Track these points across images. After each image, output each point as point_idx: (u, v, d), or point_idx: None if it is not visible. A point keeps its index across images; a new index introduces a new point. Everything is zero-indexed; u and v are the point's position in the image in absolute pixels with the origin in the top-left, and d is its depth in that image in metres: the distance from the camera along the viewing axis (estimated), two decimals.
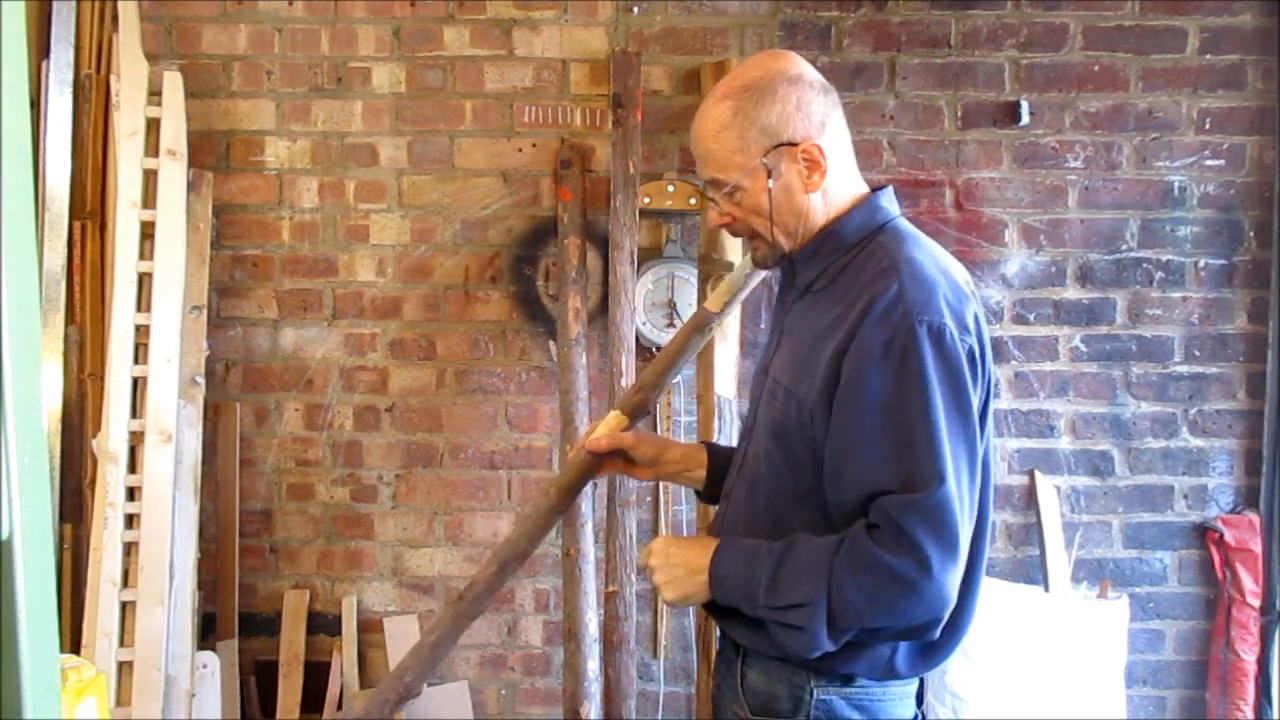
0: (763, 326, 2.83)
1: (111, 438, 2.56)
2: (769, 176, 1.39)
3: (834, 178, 1.42)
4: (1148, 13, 2.81)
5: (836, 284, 1.41)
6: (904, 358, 1.28)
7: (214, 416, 2.82)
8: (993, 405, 1.41)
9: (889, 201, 1.46)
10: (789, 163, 1.39)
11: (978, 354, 1.33)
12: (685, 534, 2.86)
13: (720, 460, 1.65)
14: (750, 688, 1.44)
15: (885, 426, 1.29)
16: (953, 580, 1.28)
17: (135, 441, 2.59)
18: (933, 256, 1.39)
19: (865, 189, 1.47)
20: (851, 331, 1.32)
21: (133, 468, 2.59)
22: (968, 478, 1.30)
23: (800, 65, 1.43)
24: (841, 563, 1.29)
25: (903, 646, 1.38)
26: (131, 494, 2.57)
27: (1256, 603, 2.79)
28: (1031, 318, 2.86)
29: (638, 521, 2.75)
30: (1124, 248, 2.85)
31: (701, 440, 1.71)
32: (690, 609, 2.85)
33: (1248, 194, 2.84)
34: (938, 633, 1.34)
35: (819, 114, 1.40)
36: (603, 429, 1.66)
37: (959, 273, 1.41)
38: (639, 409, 1.70)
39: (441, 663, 1.59)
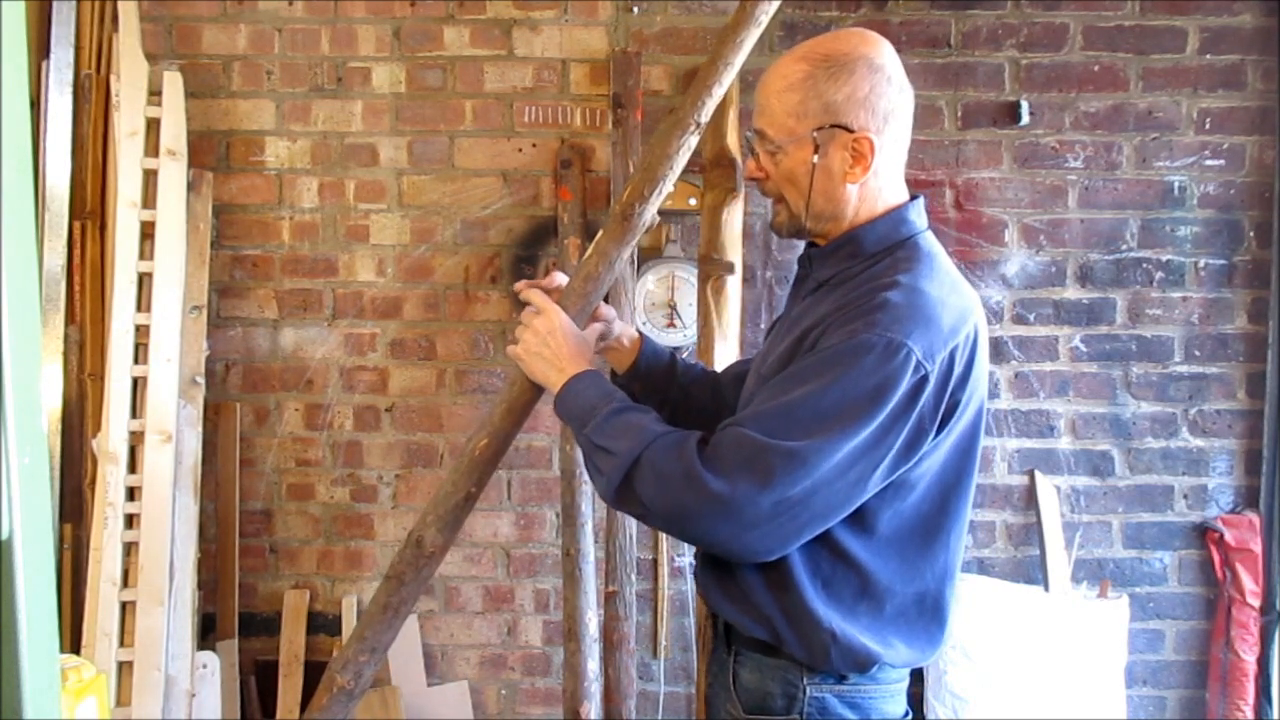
0: (762, 326, 2.83)
1: (111, 438, 2.56)
2: (815, 152, 1.38)
3: (876, 178, 1.40)
4: (1148, 13, 2.81)
5: (843, 289, 1.39)
6: (850, 351, 1.28)
7: (214, 416, 2.82)
8: (958, 428, 1.35)
9: (917, 215, 1.44)
10: (838, 147, 1.37)
11: (934, 381, 1.29)
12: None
13: (652, 354, 1.71)
14: (743, 686, 1.44)
15: (789, 388, 1.30)
16: (758, 513, 1.27)
17: (135, 441, 2.59)
18: (938, 290, 1.35)
19: (901, 199, 1.44)
20: (824, 327, 1.33)
21: (133, 468, 2.59)
22: (835, 473, 1.27)
23: (886, 56, 1.39)
24: (663, 443, 1.33)
25: (893, 643, 1.38)
26: (131, 494, 2.57)
27: (1256, 603, 2.79)
28: (1031, 318, 2.86)
29: (637, 521, 2.75)
30: (1124, 248, 2.85)
31: (638, 330, 1.75)
32: (691, 609, 2.85)
33: (1248, 194, 2.84)
34: (748, 559, 1.34)
35: (885, 110, 1.37)
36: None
37: (961, 301, 1.37)
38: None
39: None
